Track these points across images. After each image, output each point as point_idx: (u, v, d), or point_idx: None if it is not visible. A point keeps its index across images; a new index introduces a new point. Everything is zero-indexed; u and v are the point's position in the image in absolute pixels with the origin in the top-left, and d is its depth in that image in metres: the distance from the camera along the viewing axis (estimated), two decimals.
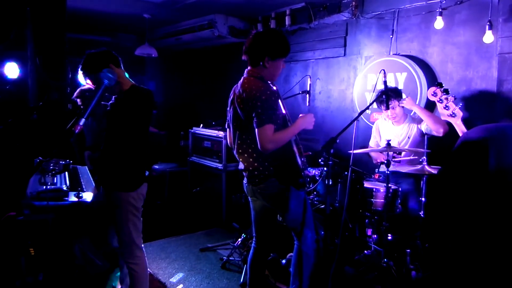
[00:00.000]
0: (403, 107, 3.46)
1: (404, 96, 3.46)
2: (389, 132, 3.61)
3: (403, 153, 3.50)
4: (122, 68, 2.55)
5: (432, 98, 2.19)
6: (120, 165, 2.51)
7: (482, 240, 1.42)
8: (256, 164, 2.48)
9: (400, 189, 3.31)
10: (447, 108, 2.08)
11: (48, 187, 2.54)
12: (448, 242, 1.57)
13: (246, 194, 2.71)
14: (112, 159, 2.52)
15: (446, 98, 2.17)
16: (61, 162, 2.86)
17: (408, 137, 3.48)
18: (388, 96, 3.17)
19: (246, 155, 2.52)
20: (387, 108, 3.26)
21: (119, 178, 2.51)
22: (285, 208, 2.53)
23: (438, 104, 2.13)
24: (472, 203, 1.40)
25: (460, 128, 2.07)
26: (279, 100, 2.46)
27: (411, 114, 3.57)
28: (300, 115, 2.55)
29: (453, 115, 2.08)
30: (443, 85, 2.32)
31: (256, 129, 2.33)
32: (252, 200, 2.71)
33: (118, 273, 3.29)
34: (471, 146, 1.44)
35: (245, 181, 2.65)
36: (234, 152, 2.64)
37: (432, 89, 2.21)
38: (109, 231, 2.81)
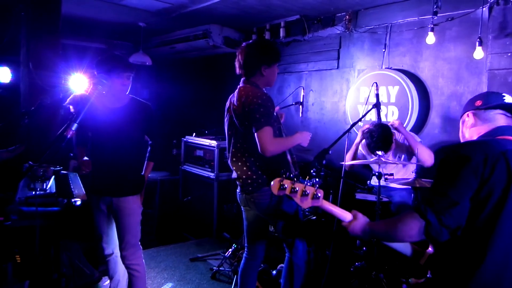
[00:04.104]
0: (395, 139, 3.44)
1: (394, 122, 3.35)
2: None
3: (395, 174, 3.49)
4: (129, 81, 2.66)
5: (280, 193, 1.65)
6: (133, 170, 2.68)
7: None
8: (249, 172, 2.49)
9: (392, 201, 3.32)
10: (305, 194, 1.63)
11: (37, 192, 2.51)
12: (438, 254, 1.57)
13: (239, 203, 2.71)
14: (126, 166, 2.64)
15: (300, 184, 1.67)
16: (51, 168, 2.83)
17: (399, 157, 3.48)
18: (380, 109, 3.21)
19: (240, 163, 2.52)
20: (380, 120, 3.27)
21: (133, 183, 2.66)
22: (278, 218, 2.53)
23: (293, 197, 1.64)
24: None
25: (334, 211, 1.66)
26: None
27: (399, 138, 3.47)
28: (297, 132, 2.58)
29: (317, 197, 1.64)
30: (288, 174, 1.70)
31: (255, 133, 2.33)
32: (245, 209, 2.70)
33: (106, 282, 3.24)
34: None
35: (238, 189, 2.65)
36: (229, 161, 2.64)
37: (276, 183, 1.65)
38: (102, 239, 2.78)
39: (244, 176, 2.51)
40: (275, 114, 2.52)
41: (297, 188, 1.65)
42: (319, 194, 1.65)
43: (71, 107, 3.94)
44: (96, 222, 2.74)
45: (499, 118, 1.59)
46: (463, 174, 1.38)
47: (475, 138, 1.63)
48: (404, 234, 1.44)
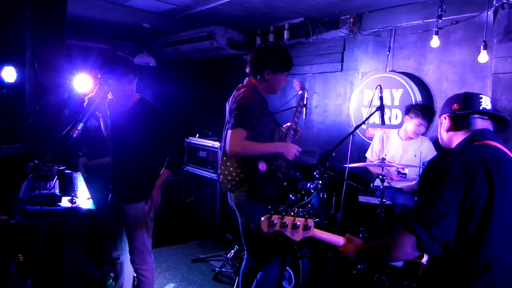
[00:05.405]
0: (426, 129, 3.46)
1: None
2: (397, 146, 3.60)
3: (406, 170, 3.49)
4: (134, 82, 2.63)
5: (270, 231, 1.62)
6: (137, 176, 2.59)
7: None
8: (231, 169, 2.49)
9: (395, 204, 3.32)
10: (296, 226, 1.59)
11: (41, 191, 2.51)
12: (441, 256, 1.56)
13: (231, 207, 2.68)
14: (129, 171, 2.59)
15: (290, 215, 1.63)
16: (55, 167, 2.83)
17: (415, 155, 3.47)
18: (383, 112, 3.20)
19: (225, 158, 2.53)
20: (383, 123, 3.27)
21: (136, 189, 2.59)
22: (254, 223, 2.50)
23: (284, 232, 1.61)
24: None
25: (326, 238, 1.64)
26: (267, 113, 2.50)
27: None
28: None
29: (308, 227, 1.59)
30: (276, 208, 1.68)
31: (229, 130, 2.35)
32: (237, 212, 2.69)
33: (109, 282, 3.24)
34: None
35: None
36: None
37: (265, 220, 1.62)
38: (111, 241, 2.80)
39: (226, 172, 2.51)
40: (283, 127, 2.56)
41: (287, 222, 1.62)
42: (310, 224, 1.61)
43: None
44: (110, 224, 2.77)
45: (475, 122, 1.59)
46: (446, 185, 1.37)
47: (453, 143, 1.62)
48: (399, 253, 1.41)
